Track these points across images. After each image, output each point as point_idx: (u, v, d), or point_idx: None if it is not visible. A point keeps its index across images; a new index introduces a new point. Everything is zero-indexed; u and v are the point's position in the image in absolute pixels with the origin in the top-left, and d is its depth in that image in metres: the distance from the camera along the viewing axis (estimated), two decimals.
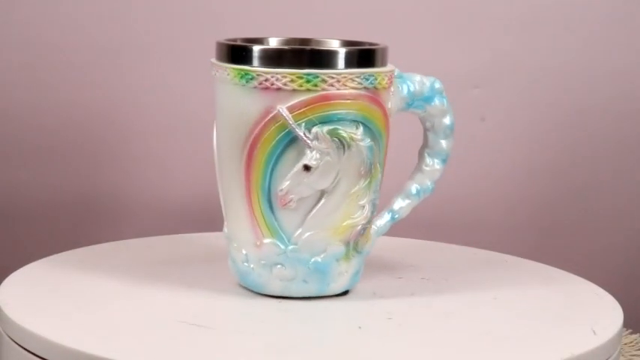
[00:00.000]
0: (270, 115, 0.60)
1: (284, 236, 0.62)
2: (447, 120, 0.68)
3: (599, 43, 0.98)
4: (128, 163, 0.97)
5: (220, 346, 0.56)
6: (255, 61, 0.61)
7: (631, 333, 0.87)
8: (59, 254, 0.73)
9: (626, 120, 0.99)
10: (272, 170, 0.61)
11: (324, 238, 0.62)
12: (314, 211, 0.62)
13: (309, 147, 0.60)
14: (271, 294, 0.64)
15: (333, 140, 0.60)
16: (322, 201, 0.62)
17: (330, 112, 0.60)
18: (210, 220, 0.95)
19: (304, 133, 0.60)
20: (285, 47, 0.65)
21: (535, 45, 0.97)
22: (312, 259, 0.62)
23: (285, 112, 0.60)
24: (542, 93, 0.98)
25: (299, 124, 0.60)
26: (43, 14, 0.94)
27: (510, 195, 1.00)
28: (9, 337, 0.57)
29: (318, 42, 0.68)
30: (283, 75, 0.60)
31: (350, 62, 0.61)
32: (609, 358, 0.59)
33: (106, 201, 0.97)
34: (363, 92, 0.61)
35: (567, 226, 1.00)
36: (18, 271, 0.68)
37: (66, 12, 0.94)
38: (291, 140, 0.60)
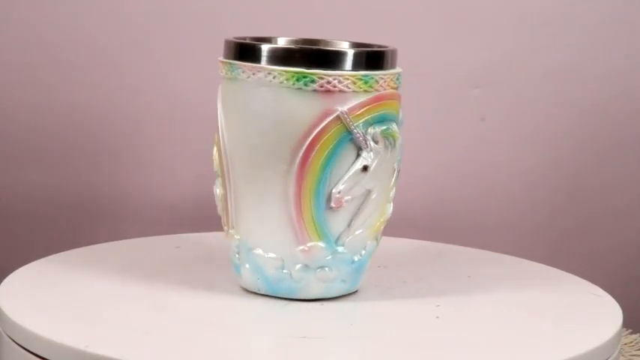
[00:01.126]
0: (330, 118, 0.60)
1: (331, 238, 0.62)
2: None
3: (600, 43, 0.98)
4: (128, 163, 0.97)
5: (228, 345, 0.56)
6: (301, 63, 0.60)
7: (631, 333, 0.87)
8: (59, 254, 0.73)
9: (626, 120, 0.99)
10: (329, 173, 0.61)
11: (366, 237, 0.63)
12: (361, 210, 0.62)
13: (366, 147, 0.61)
14: (307, 297, 0.64)
15: (386, 140, 0.62)
16: (367, 200, 0.62)
17: (382, 113, 0.62)
18: (207, 219, 0.95)
19: (363, 134, 0.61)
20: (345, 49, 0.64)
21: (535, 45, 0.97)
22: (355, 259, 0.63)
23: (347, 114, 0.60)
24: (542, 93, 0.98)
25: (357, 126, 0.61)
26: (45, 15, 0.94)
27: (510, 195, 0.99)
28: (8, 336, 0.57)
29: (327, 42, 0.68)
30: (345, 77, 0.60)
31: (390, 63, 0.63)
32: (609, 358, 0.59)
33: (106, 201, 0.97)
34: (396, 92, 0.63)
35: (567, 226, 1.00)
36: (18, 270, 0.68)
37: (67, 13, 0.94)
38: (347, 142, 0.61)
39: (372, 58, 0.62)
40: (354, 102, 0.60)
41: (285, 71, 0.60)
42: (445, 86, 0.97)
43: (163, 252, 0.75)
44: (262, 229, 0.62)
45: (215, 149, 0.65)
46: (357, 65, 0.61)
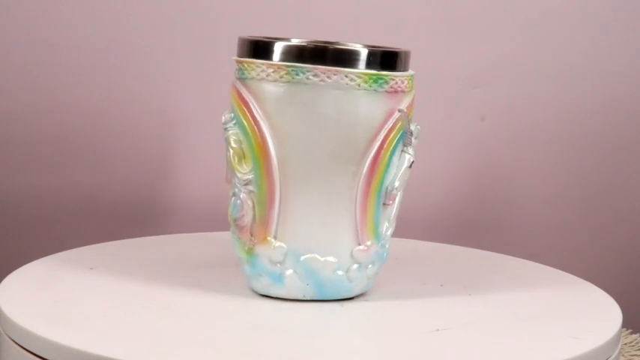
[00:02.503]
0: (394, 117, 0.62)
1: (380, 235, 0.64)
2: None
3: (600, 44, 0.98)
4: (129, 163, 0.97)
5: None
6: (372, 65, 0.61)
7: (631, 333, 0.87)
8: (59, 254, 0.73)
9: (626, 121, 0.99)
10: (389, 171, 0.63)
11: (392, 233, 0.65)
12: (395, 206, 0.64)
13: (410, 144, 0.64)
14: (353, 295, 0.64)
15: (418, 137, 0.65)
16: (398, 196, 0.64)
17: (414, 111, 0.64)
18: (211, 220, 0.95)
19: (411, 132, 0.63)
20: (401, 51, 0.64)
21: (535, 45, 0.97)
22: (385, 255, 0.65)
23: (406, 114, 0.63)
24: (542, 93, 0.98)
25: (410, 124, 0.63)
26: (46, 15, 0.94)
27: (510, 195, 0.99)
28: (8, 336, 0.57)
29: (340, 44, 0.67)
30: (404, 78, 0.62)
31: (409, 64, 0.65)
32: (609, 358, 0.59)
33: (106, 201, 0.97)
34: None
35: (567, 226, 1.00)
36: (18, 270, 0.68)
37: (68, 13, 0.94)
38: (401, 140, 0.63)
39: (407, 59, 0.65)
40: (407, 101, 0.63)
41: (364, 74, 0.61)
42: (445, 86, 0.97)
43: (164, 252, 0.76)
44: (321, 232, 0.62)
45: (235, 159, 0.63)
46: (405, 66, 0.64)
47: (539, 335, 0.59)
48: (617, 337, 0.61)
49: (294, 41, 0.62)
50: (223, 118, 0.63)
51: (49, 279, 0.66)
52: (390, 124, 0.62)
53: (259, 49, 0.62)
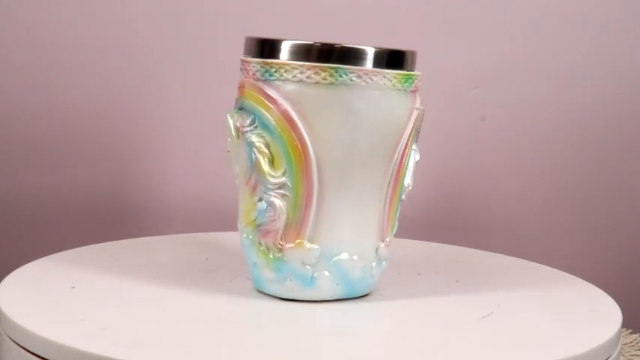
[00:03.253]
0: (416, 115, 0.63)
1: (395, 231, 0.66)
2: None
3: (600, 43, 0.98)
4: (129, 163, 0.97)
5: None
6: (397, 66, 0.62)
7: (631, 333, 0.87)
8: (59, 253, 0.73)
9: (626, 121, 0.99)
10: (408, 168, 0.65)
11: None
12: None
13: (416, 141, 0.66)
14: (370, 292, 0.66)
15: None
16: None
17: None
18: (211, 220, 0.95)
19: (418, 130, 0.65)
20: (413, 50, 0.64)
21: (535, 45, 0.97)
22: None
23: (423, 111, 0.65)
24: (542, 93, 0.98)
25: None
26: (47, 16, 0.94)
27: (510, 196, 0.99)
28: (8, 336, 0.57)
29: (345, 44, 0.67)
30: (421, 77, 0.64)
31: None
32: (609, 358, 0.59)
33: (107, 201, 0.97)
34: None
35: (567, 226, 1.00)
36: (18, 270, 0.68)
37: (70, 14, 0.94)
38: (415, 138, 0.65)
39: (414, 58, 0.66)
40: (419, 100, 0.65)
41: (398, 74, 0.62)
42: (445, 86, 0.97)
43: (166, 252, 0.76)
44: (353, 232, 0.63)
45: (265, 162, 0.61)
46: (404, 65, 0.64)
47: (539, 335, 0.59)
48: (617, 337, 0.61)
49: (334, 43, 0.61)
50: (237, 122, 0.62)
51: (49, 279, 0.66)
52: (411, 122, 0.63)
53: (296, 50, 0.61)
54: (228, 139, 0.63)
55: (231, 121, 0.62)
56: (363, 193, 0.62)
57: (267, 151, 0.61)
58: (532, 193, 1.00)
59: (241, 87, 0.63)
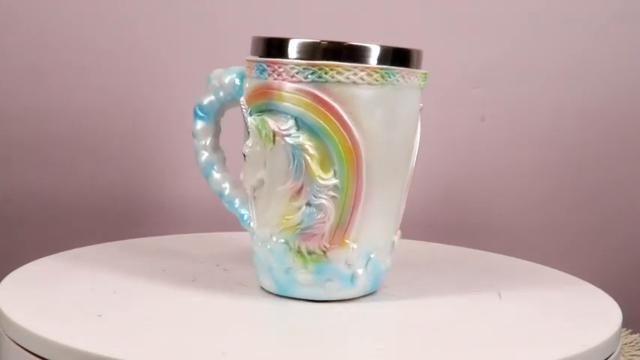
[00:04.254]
0: (420, 112, 0.66)
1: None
2: None
3: (600, 43, 0.98)
4: (130, 164, 0.97)
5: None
6: (421, 66, 0.64)
7: (631, 333, 0.87)
8: (59, 253, 0.73)
9: (626, 121, 0.99)
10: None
11: None
12: None
13: None
14: (375, 289, 0.66)
15: None
16: None
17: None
18: (212, 220, 0.95)
19: None
20: (408, 48, 0.65)
21: (535, 45, 0.97)
22: None
23: (422, 108, 0.67)
24: (542, 93, 0.98)
25: None
26: (49, 17, 0.94)
27: (510, 196, 1.00)
28: (9, 337, 0.57)
29: (350, 43, 0.67)
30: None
31: None
32: (609, 357, 0.59)
33: (107, 201, 0.97)
34: None
35: (567, 226, 1.00)
36: (17, 270, 0.68)
37: (72, 14, 0.94)
38: None
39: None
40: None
41: (423, 73, 0.64)
42: (445, 86, 0.97)
43: (166, 252, 0.75)
44: (385, 228, 0.64)
45: (315, 165, 0.61)
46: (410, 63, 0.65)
47: (538, 335, 0.59)
48: (617, 337, 0.61)
49: (386, 45, 0.62)
50: (276, 126, 0.61)
51: (49, 279, 0.66)
52: (420, 120, 0.66)
53: (348, 52, 0.61)
54: (248, 144, 0.62)
55: (259, 125, 0.61)
56: (396, 189, 0.64)
57: (316, 153, 0.61)
58: (532, 193, 1.00)
59: (268, 89, 0.61)
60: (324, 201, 0.61)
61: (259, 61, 0.62)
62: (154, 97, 0.96)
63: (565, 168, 0.99)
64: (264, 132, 0.61)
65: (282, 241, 0.63)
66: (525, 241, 0.99)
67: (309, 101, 0.60)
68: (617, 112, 0.99)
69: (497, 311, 0.64)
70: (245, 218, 0.67)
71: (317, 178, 0.61)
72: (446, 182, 0.99)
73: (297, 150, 0.61)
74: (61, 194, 0.96)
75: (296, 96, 0.60)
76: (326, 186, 0.61)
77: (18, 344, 0.56)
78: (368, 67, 0.61)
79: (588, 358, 0.56)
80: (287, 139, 0.61)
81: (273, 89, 0.61)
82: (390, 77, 0.61)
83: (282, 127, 0.61)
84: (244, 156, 0.63)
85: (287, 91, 0.61)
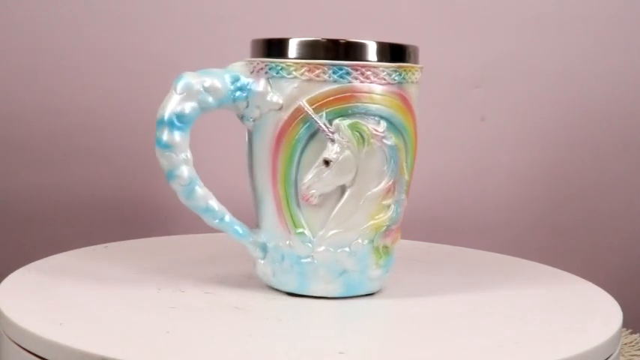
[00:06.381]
0: None
1: None
2: None
3: (600, 43, 0.98)
4: (130, 164, 0.97)
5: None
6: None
7: (631, 333, 0.87)
8: (60, 254, 0.73)
9: (626, 121, 0.99)
10: None
11: None
12: None
13: None
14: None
15: None
16: None
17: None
18: None
19: None
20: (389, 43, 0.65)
21: (535, 45, 0.97)
22: None
23: None
24: (542, 93, 0.98)
25: None
26: (50, 17, 0.94)
27: (510, 195, 1.00)
28: (8, 337, 0.57)
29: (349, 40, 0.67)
30: None
31: None
32: (609, 357, 0.59)
33: (108, 202, 0.97)
34: None
35: (567, 226, 1.00)
36: (17, 271, 0.68)
37: (73, 15, 0.94)
38: None
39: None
40: None
41: (421, 68, 0.65)
42: (445, 86, 0.97)
43: (167, 252, 0.75)
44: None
45: (404, 163, 0.63)
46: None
47: (538, 334, 0.59)
48: (617, 337, 0.61)
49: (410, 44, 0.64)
50: (373, 130, 0.61)
51: (49, 279, 0.66)
52: None
53: (414, 53, 0.64)
54: (336, 149, 0.60)
55: (354, 128, 0.61)
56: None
57: (400, 156, 0.63)
58: (532, 192, 1.00)
59: (354, 92, 0.60)
60: (405, 197, 0.64)
61: (339, 65, 0.60)
62: (154, 97, 0.96)
63: (565, 168, 0.99)
64: (359, 135, 0.61)
65: (367, 241, 0.63)
66: (525, 241, 0.99)
67: (398, 102, 0.62)
68: (617, 112, 0.99)
69: (497, 311, 0.64)
70: (251, 240, 0.64)
71: (405, 176, 0.63)
72: (445, 182, 0.99)
73: (394, 150, 0.62)
74: (60, 194, 0.96)
75: (387, 97, 0.61)
76: (407, 182, 0.64)
77: (18, 344, 0.56)
78: (421, 67, 0.64)
79: (588, 358, 0.56)
80: (385, 140, 0.61)
81: (363, 92, 0.61)
82: (418, 75, 0.64)
83: (379, 130, 0.61)
84: (326, 163, 0.61)
85: (378, 94, 0.61)
